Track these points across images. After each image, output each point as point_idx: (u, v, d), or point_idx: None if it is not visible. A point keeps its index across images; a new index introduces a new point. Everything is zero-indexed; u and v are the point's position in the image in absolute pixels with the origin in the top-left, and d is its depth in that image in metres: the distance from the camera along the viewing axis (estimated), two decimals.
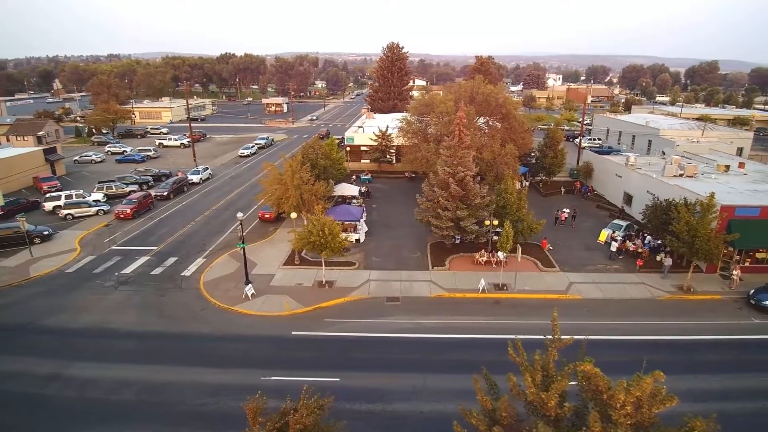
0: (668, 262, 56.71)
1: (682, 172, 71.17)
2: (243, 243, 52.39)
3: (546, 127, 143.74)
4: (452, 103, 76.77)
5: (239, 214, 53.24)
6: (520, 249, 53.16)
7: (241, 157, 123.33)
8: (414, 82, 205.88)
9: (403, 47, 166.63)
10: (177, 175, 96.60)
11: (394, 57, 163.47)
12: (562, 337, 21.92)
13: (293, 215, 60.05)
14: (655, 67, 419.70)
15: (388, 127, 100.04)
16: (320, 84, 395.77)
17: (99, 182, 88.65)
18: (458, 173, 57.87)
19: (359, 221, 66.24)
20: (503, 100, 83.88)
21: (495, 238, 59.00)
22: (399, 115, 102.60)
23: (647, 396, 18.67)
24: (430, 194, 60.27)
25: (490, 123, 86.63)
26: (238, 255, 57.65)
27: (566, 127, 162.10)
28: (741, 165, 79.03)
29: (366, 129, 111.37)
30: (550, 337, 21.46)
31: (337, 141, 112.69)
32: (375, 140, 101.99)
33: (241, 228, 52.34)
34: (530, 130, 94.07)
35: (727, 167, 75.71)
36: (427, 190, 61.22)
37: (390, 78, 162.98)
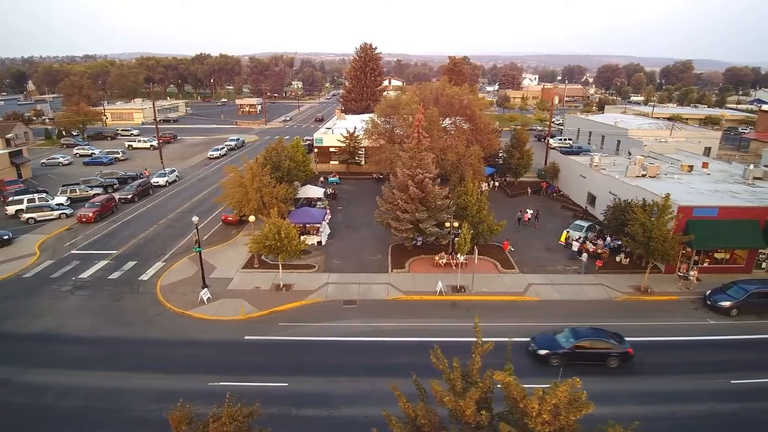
0: (584, 257, 58.41)
1: (644, 172, 71.57)
2: (199, 247, 51.87)
3: (519, 127, 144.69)
4: (416, 104, 76.74)
5: (194, 218, 52.72)
6: (477, 250, 53.22)
7: (210, 158, 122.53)
8: (390, 83, 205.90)
9: (376, 48, 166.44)
10: (142, 178, 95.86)
11: (367, 57, 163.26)
12: (484, 341, 21.86)
13: (251, 218, 59.66)
14: (630, 67, 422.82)
15: (356, 128, 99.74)
16: (297, 84, 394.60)
17: (63, 185, 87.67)
18: (417, 175, 57.78)
19: (321, 223, 65.91)
20: (468, 102, 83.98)
21: (456, 239, 59.08)
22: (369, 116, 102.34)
23: (565, 403, 18.52)
24: (390, 196, 60.16)
25: (456, 124, 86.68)
26: (198, 259, 57.29)
27: (539, 127, 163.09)
28: (705, 165, 79.67)
29: (335, 130, 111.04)
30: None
31: (308, 142, 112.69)
32: (343, 142, 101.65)
33: (197, 232, 51.77)
34: (496, 131, 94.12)
35: (691, 167, 76.21)
36: (386, 192, 61.12)
37: (363, 78, 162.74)
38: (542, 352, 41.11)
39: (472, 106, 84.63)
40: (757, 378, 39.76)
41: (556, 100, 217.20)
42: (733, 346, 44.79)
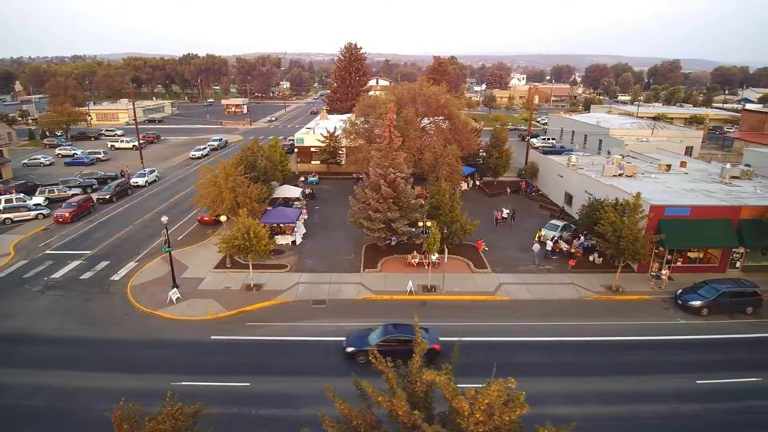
0: (536, 248, 59.62)
1: (621, 171, 71.58)
2: (168, 247, 51.66)
3: (498, 127, 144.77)
4: (392, 104, 76.69)
5: (164, 218, 52.58)
6: (446, 250, 53.18)
7: (192, 158, 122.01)
8: (378, 82, 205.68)
9: (361, 47, 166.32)
10: (120, 177, 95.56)
11: (351, 57, 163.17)
12: (423, 340, 21.77)
13: (223, 218, 59.45)
14: (618, 66, 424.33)
15: (335, 128, 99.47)
16: (285, 84, 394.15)
17: (42, 185, 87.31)
18: (389, 175, 57.68)
19: (295, 223, 65.70)
20: (445, 101, 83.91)
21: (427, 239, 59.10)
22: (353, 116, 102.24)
23: (499, 403, 18.34)
24: (362, 196, 60.06)
25: (436, 123, 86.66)
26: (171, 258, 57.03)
27: (523, 127, 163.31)
28: (683, 164, 79.83)
29: (316, 130, 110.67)
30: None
31: (290, 142, 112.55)
32: (323, 142, 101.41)
33: (167, 231, 51.52)
34: (475, 130, 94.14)
35: (669, 166, 76.32)
36: (359, 192, 61.00)
37: (348, 78, 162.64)
38: (349, 349, 41.00)
39: (449, 105, 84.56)
40: (723, 378, 39.68)
41: (536, 99, 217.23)
42: (701, 345, 44.73)
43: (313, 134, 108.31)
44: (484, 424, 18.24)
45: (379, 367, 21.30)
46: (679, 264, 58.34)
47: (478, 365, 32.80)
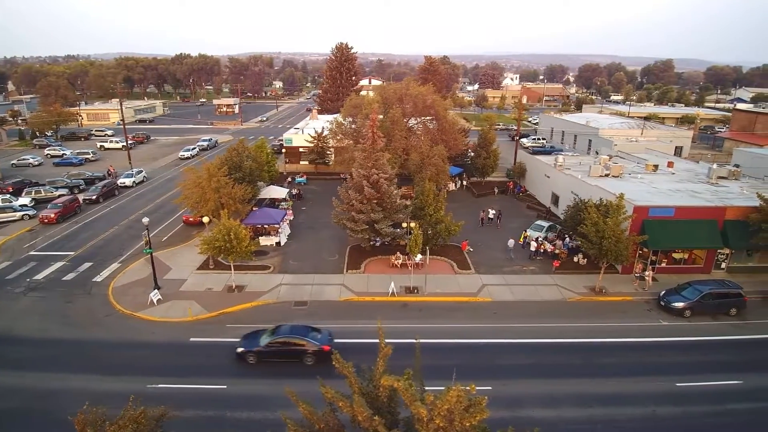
0: (510, 243, 59.88)
1: (607, 172, 71.51)
2: (149, 249, 51.43)
3: (495, 126, 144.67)
4: (377, 105, 76.52)
5: (145, 220, 52.36)
6: (428, 251, 53.05)
7: (181, 159, 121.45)
8: (371, 82, 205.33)
9: (352, 47, 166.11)
10: (107, 177, 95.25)
11: (342, 57, 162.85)
12: (386, 343, 21.56)
13: (205, 220, 59.22)
14: (611, 66, 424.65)
15: (323, 128, 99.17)
16: (278, 84, 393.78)
17: (28, 186, 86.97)
18: (372, 175, 57.48)
19: (280, 224, 65.43)
20: (431, 102, 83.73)
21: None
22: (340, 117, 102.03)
23: (460, 409, 18.05)
24: (346, 197, 59.86)
25: (424, 124, 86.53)
26: (154, 260, 56.60)
27: (515, 127, 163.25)
28: (670, 164, 79.90)
29: (305, 130, 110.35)
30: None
31: (279, 142, 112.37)
32: (311, 142, 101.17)
33: (148, 233, 51.32)
34: (463, 130, 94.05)
35: (656, 167, 76.35)
36: (342, 193, 60.83)
37: (339, 78, 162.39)
38: (239, 349, 41.15)
39: (435, 105, 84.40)
40: (703, 381, 39.47)
41: (525, 99, 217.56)
42: (682, 347, 44.52)
43: (301, 134, 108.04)
44: (444, 430, 17.96)
45: (343, 372, 21.08)
46: (663, 265, 58.26)
47: (457, 368, 32.61)
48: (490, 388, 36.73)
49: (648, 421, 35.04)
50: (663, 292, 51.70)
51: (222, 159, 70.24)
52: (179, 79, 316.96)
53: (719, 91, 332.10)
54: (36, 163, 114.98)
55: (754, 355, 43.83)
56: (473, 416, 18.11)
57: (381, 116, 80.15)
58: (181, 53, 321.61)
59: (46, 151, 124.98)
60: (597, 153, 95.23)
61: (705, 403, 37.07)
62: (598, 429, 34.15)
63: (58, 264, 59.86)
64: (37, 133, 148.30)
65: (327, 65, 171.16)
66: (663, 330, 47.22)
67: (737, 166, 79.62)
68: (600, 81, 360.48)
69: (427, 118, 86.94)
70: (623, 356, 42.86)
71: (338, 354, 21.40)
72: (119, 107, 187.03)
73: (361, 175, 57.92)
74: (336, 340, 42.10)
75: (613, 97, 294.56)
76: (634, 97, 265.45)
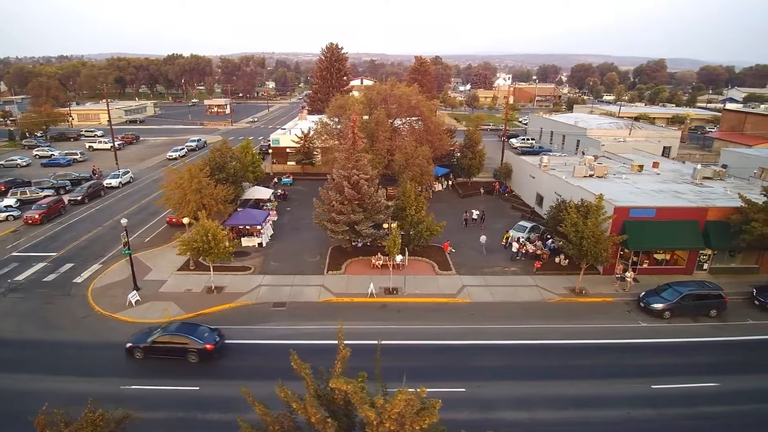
0: (483, 239, 60.45)
1: (592, 172, 71.49)
2: (128, 250, 51.30)
3: (486, 126, 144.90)
4: (361, 105, 76.46)
5: (123, 220, 52.28)
6: (407, 252, 52.97)
7: (169, 159, 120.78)
8: (362, 82, 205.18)
9: (342, 48, 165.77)
10: (92, 177, 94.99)
11: (333, 57, 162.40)
12: (345, 344, 21.45)
13: (185, 220, 59.08)
14: (604, 66, 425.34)
15: (309, 129, 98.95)
16: (270, 84, 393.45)
17: (14, 187, 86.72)
18: (353, 176, 57.36)
19: (262, 225, 65.27)
20: (416, 102, 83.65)
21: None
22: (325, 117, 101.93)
23: (411, 413, 17.91)
24: (326, 197, 59.73)
25: (410, 124, 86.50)
26: (135, 260, 56.37)
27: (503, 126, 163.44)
28: (655, 164, 79.87)
29: (292, 131, 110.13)
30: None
31: (268, 143, 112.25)
32: (297, 142, 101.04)
33: (126, 234, 51.17)
34: (449, 131, 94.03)
35: (641, 167, 76.31)
36: (323, 194, 60.71)
37: (329, 79, 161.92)
38: (128, 345, 41.75)
39: (420, 106, 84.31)
40: (680, 383, 39.36)
41: (511, 99, 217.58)
42: (660, 349, 44.43)
43: (288, 135, 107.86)
44: None
45: (300, 373, 20.98)
46: (645, 266, 58.20)
47: (432, 369, 32.58)
48: (464, 389, 36.74)
49: (622, 424, 34.95)
50: (643, 294, 51.57)
51: (205, 160, 70.07)
52: (171, 80, 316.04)
53: (711, 91, 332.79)
54: (24, 163, 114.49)
55: (732, 357, 43.65)
56: (423, 420, 18.00)
57: (366, 117, 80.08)
58: (173, 53, 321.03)
59: (34, 152, 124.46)
60: (583, 153, 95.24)
61: (681, 405, 36.91)
62: (572, 431, 34.07)
63: (40, 265, 59.63)
64: (27, 133, 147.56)
65: (317, 65, 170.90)
66: (642, 331, 47.05)
67: (725, 166, 79.72)
68: (592, 81, 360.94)
69: (413, 118, 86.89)
70: (600, 358, 42.72)
71: (295, 354, 21.27)
72: (118, 107, 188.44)
73: (341, 176, 57.82)
74: (315, 342, 41.92)
75: (605, 97, 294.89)
76: (626, 97, 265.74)
